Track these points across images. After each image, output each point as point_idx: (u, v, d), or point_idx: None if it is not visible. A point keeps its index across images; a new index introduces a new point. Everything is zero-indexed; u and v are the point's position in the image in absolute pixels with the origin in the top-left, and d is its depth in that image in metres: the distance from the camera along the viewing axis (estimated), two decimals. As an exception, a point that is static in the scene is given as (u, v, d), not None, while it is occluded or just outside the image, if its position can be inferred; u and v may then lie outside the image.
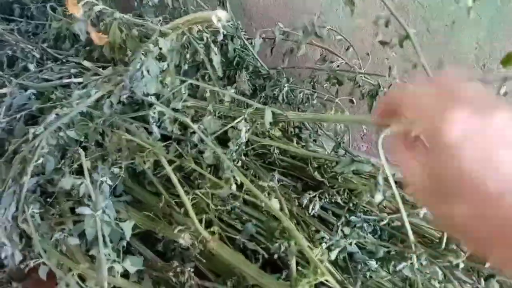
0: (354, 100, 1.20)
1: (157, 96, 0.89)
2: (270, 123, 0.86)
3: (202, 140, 0.84)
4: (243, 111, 0.88)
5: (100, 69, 1.11)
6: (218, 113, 0.93)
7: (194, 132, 0.84)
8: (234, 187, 0.76)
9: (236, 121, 0.84)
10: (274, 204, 0.71)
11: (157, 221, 0.89)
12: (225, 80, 1.32)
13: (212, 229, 0.83)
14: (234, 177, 0.75)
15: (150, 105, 0.91)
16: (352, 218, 0.79)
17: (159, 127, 0.89)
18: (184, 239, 0.85)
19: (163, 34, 0.94)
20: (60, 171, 0.90)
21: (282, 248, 0.81)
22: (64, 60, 1.28)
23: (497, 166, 0.30)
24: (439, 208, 0.33)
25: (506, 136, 0.31)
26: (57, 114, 0.86)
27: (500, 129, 0.31)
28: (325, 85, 1.28)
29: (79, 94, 0.87)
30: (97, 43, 1.00)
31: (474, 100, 0.33)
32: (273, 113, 0.87)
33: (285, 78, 1.29)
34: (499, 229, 0.29)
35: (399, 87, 0.38)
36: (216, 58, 1.07)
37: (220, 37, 1.22)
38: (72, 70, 1.19)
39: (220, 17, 0.79)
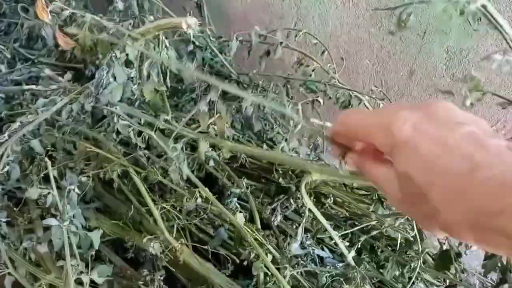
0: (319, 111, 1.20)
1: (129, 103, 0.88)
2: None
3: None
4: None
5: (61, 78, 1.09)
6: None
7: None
8: (199, 200, 0.76)
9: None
10: (239, 219, 0.71)
11: (127, 230, 0.89)
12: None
13: (181, 240, 0.83)
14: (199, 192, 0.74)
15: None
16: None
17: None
18: (154, 248, 0.85)
19: (133, 39, 0.93)
20: (27, 178, 0.89)
21: (252, 256, 0.82)
22: (35, 61, 1.26)
23: (455, 145, 0.30)
24: (420, 209, 0.33)
25: (454, 117, 0.32)
26: (21, 122, 0.84)
27: (445, 112, 0.33)
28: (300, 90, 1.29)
29: (44, 101, 0.86)
30: (64, 48, 0.98)
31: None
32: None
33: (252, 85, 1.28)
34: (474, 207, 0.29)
35: (347, 112, 0.38)
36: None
37: (190, 47, 1.22)
38: (42, 74, 1.16)
39: (190, 24, 0.78)
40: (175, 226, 0.88)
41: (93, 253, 0.82)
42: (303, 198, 0.66)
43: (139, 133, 0.81)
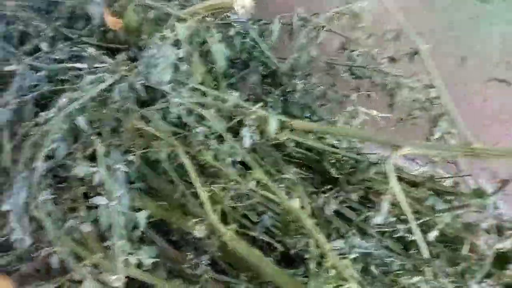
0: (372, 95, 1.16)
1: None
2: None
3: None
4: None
5: (107, 57, 1.07)
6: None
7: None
8: (253, 183, 0.73)
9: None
10: (294, 203, 0.68)
11: (172, 211, 0.87)
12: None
13: (227, 224, 0.80)
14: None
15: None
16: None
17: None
18: (199, 231, 0.83)
19: (180, 20, 0.91)
20: (72, 156, 0.88)
21: (300, 245, 0.80)
22: (76, 41, 1.25)
23: None
24: None
25: None
26: (69, 98, 0.83)
27: None
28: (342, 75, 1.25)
29: (91, 78, 0.84)
30: (111, 28, 0.96)
31: None
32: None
33: (299, 73, 1.24)
34: None
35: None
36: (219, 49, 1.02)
37: (232, 32, 1.19)
38: (83, 53, 1.15)
39: (244, 5, 0.75)
40: (219, 210, 0.86)
41: (139, 234, 0.81)
42: (389, 177, 0.61)
43: (189, 113, 0.79)
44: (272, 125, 0.82)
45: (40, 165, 0.81)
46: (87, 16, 1.36)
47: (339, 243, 0.70)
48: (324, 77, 1.27)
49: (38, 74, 1.06)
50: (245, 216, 0.95)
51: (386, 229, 0.82)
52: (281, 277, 0.75)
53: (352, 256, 0.69)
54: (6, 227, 0.92)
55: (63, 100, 0.81)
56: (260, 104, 0.85)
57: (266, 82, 1.35)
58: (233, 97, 0.83)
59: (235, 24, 1.21)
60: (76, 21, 1.35)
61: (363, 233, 0.89)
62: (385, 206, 0.63)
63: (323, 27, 1.21)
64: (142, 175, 0.98)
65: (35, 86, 1.06)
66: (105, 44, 1.22)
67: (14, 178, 0.84)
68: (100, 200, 0.74)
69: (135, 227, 0.85)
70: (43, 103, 1.06)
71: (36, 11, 1.40)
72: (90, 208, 0.91)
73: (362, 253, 0.72)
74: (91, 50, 1.09)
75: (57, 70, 1.08)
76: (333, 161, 1.01)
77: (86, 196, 0.94)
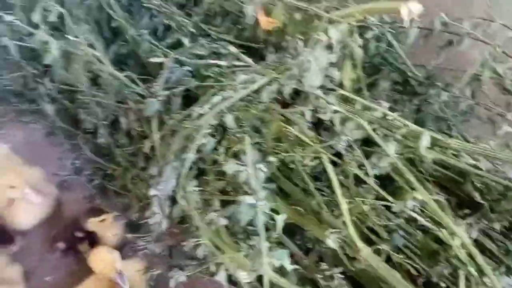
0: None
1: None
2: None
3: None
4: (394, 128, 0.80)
5: (247, 58, 1.09)
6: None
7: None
8: (410, 204, 0.70)
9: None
10: (461, 233, 0.64)
11: (306, 217, 0.87)
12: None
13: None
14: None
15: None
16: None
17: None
18: (333, 242, 0.82)
19: (331, 22, 0.89)
20: (217, 152, 0.91)
21: (446, 273, 0.75)
22: (214, 37, 1.30)
23: None
24: None
25: None
26: (222, 96, 0.86)
27: None
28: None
29: (244, 78, 0.86)
30: (263, 27, 0.98)
31: None
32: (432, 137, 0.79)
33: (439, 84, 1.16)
34: None
35: None
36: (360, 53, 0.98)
37: (369, 35, 1.14)
38: (223, 50, 1.19)
39: (412, 10, 0.71)
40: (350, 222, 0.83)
41: (275, 236, 0.82)
42: None
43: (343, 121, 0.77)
44: (424, 142, 0.78)
45: (191, 156, 0.85)
46: (224, 13, 1.42)
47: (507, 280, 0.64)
48: (466, 89, 1.17)
49: (184, 68, 1.12)
50: (371, 230, 0.92)
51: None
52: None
53: None
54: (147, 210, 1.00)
55: (218, 97, 0.84)
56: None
57: (396, 89, 1.29)
58: (382, 107, 0.80)
59: (373, 27, 1.16)
60: (214, 17, 1.41)
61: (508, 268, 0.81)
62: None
63: (468, 33, 1.12)
64: (273, 176, 1.00)
65: (180, 79, 1.13)
66: (241, 42, 1.26)
67: (164, 166, 0.89)
68: (248, 199, 0.75)
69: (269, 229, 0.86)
70: (186, 96, 1.13)
71: (178, 6, 1.49)
72: (225, 202, 0.95)
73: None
74: (232, 48, 1.13)
75: (200, 66, 1.14)
76: (477, 184, 0.93)
77: (221, 192, 0.98)
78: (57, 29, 1.53)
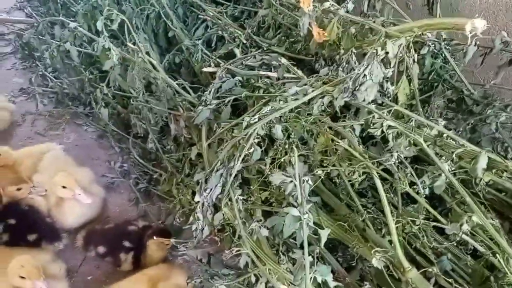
0: None
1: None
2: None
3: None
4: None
5: (298, 70, 1.09)
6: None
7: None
8: (465, 227, 0.66)
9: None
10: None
11: (351, 234, 0.84)
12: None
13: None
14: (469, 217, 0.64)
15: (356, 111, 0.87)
16: None
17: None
18: (378, 261, 0.79)
19: (388, 36, 0.88)
20: (262, 161, 0.91)
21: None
22: (264, 49, 1.32)
23: None
24: None
25: None
26: (272, 107, 0.86)
27: None
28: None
29: (296, 90, 0.86)
30: (316, 40, 0.98)
31: None
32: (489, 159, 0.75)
33: (498, 103, 1.10)
34: None
35: None
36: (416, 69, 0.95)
37: (424, 50, 1.10)
38: (274, 62, 1.19)
39: (476, 27, 0.69)
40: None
41: (318, 250, 0.80)
42: None
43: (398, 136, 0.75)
44: (482, 163, 0.74)
45: (238, 165, 0.85)
46: (276, 26, 1.43)
47: None
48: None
49: (235, 78, 1.13)
50: (418, 252, 0.88)
51: None
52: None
53: None
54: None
55: (267, 108, 0.85)
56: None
57: (451, 107, 1.24)
58: (438, 126, 0.77)
59: (429, 43, 1.13)
60: (266, 30, 1.42)
61: None
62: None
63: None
64: (318, 189, 0.98)
65: (230, 89, 1.14)
66: (293, 54, 1.26)
67: (211, 173, 0.90)
68: (293, 211, 0.74)
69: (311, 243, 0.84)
70: (236, 105, 1.14)
71: (232, 18, 1.52)
72: (267, 213, 0.94)
73: None
74: (283, 60, 1.13)
75: (250, 76, 1.15)
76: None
77: (263, 201, 0.97)
78: (115, 37, 1.61)
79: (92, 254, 1.17)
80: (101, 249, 1.16)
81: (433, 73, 1.21)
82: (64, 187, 1.23)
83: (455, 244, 0.85)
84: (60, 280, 1.10)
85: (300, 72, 1.09)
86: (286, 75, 1.11)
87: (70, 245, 1.21)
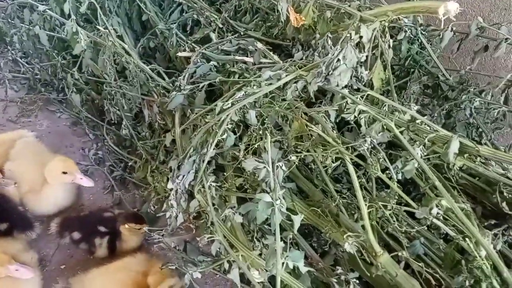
0: None
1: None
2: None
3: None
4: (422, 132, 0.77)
5: (273, 54, 1.08)
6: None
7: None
8: (435, 211, 0.66)
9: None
10: (487, 243, 0.60)
11: (324, 219, 0.84)
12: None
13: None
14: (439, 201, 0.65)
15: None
16: None
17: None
18: (350, 246, 0.79)
19: (363, 21, 0.87)
20: (236, 147, 0.90)
21: (467, 284, 0.71)
22: (241, 33, 1.29)
23: None
24: None
25: None
26: (245, 92, 0.85)
27: None
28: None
29: (269, 74, 0.85)
30: (293, 25, 0.96)
31: None
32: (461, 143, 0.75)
33: (472, 88, 1.11)
34: None
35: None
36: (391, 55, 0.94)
37: (401, 36, 1.10)
38: (250, 47, 1.17)
39: (449, 10, 0.68)
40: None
41: (290, 236, 0.80)
42: None
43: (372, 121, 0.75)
44: (453, 148, 0.74)
45: (210, 151, 0.83)
46: (253, 11, 1.41)
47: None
48: (500, 96, 1.12)
49: (210, 63, 1.11)
50: (391, 236, 0.89)
51: None
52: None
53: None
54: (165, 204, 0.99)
55: (241, 93, 0.83)
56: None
57: (426, 93, 1.25)
58: (411, 111, 0.77)
59: (406, 29, 1.12)
60: (243, 14, 1.40)
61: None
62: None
63: (505, 39, 1.07)
64: (292, 175, 0.98)
65: (205, 74, 1.12)
66: (269, 39, 1.24)
67: (184, 160, 0.88)
68: (266, 197, 0.73)
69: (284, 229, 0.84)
70: (211, 91, 1.12)
71: (208, 2, 1.49)
72: (243, 200, 0.94)
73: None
74: (259, 45, 1.11)
75: (226, 61, 1.13)
76: (506, 194, 0.88)
77: (238, 188, 0.96)
78: (88, 21, 1.56)
79: (67, 241, 1.14)
80: (76, 235, 1.14)
81: (409, 58, 1.21)
82: (64, 172, 1.19)
83: (427, 229, 0.86)
84: (33, 269, 1.07)
85: (276, 57, 1.08)
86: (263, 60, 1.09)
87: (43, 234, 1.18)
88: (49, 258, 1.15)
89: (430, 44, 1.18)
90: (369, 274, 0.81)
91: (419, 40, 1.16)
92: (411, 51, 1.20)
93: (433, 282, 0.78)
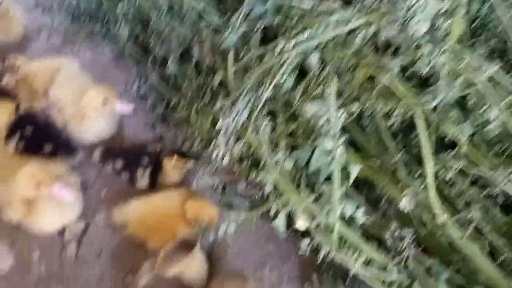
0: None
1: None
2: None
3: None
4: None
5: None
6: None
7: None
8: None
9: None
10: None
11: (381, 174, 0.81)
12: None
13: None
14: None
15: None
16: None
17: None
18: (408, 204, 0.76)
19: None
20: (292, 92, 0.87)
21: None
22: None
23: None
24: None
25: None
26: (308, 35, 0.80)
27: None
28: None
29: (337, 17, 0.80)
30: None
31: None
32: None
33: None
34: None
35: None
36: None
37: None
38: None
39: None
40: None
41: (348, 186, 0.77)
42: None
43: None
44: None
45: (269, 91, 0.81)
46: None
47: None
48: None
49: (266, 4, 1.06)
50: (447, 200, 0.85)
51: None
52: (499, 276, 0.65)
53: None
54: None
55: (304, 35, 0.79)
56: None
57: (493, 57, 1.18)
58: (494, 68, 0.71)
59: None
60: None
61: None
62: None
63: None
64: (347, 128, 0.94)
65: (260, 16, 1.07)
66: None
67: (238, 99, 0.86)
68: (327, 145, 0.70)
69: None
70: (264, 34, 1.07)
71: None
72: (291, 147, 0.91)
73: None
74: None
75: (283, 3, 1.07)
76: None
77: (290, 134, 0.94)
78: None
79: (109, 170, 1.16)
80: (119, 164, 1.15)
81: (477, 20, 1.13)
82: (103, 102, 1.18)
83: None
84: (75, 192, 1.09)
85: (337, 4, 1.01)
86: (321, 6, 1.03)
87: (86, 160, 1.20)
88: (90, 184, 1.17)
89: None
90: (422, 235, 0.78)
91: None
92: (481, 11, 1.12)
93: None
